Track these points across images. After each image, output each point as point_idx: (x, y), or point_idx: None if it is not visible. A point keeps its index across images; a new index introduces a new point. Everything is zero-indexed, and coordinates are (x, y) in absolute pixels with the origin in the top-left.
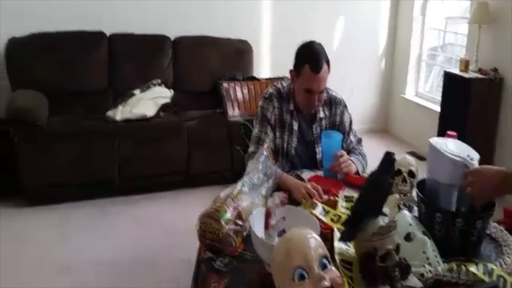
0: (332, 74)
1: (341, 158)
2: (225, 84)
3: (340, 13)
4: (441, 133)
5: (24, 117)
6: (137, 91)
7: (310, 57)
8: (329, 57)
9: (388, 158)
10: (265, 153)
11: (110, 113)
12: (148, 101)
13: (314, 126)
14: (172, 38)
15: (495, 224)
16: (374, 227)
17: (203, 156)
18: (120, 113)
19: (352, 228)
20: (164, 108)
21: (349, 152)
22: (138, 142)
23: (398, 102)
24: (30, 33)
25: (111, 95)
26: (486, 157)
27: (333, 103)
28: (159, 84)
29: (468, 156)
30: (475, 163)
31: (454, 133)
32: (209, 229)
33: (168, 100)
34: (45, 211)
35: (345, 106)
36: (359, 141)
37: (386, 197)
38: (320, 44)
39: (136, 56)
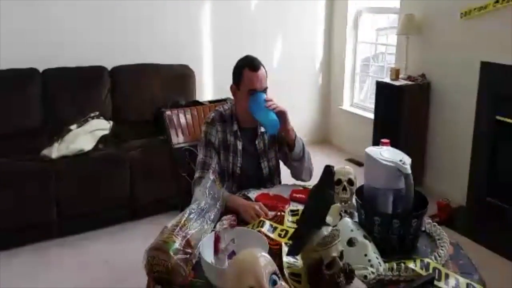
0: (273, 92)
1: (270, 100)
2: (168, 112)
3: (277, 32)
4: (376, 139)
5: None
6: (73, 126)
7: (247, 61)
8: (269, 75)
9: (328, 171)
10: (211, 177)
11: (45, 151)
12: (86, 135)
13: (257, 142)
14: (110, 68)
15: (429, 220)
16: (318, 238)
17: (148, 186)
18: (56, 150)
19: (298, 241)
20: (103, 140)
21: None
22: (76, 178)
23: (336, 113)
24: None
25: (47, 133)
26: (418, 156)
27: None
28: (98, 117)
29: (400, 161)
30: (407, 167)
31: (387, 141)
32: (157, 262)
33: (107, 132)
34: None
35: None
36: None
37: (328, 208)
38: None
39: (72, 90)
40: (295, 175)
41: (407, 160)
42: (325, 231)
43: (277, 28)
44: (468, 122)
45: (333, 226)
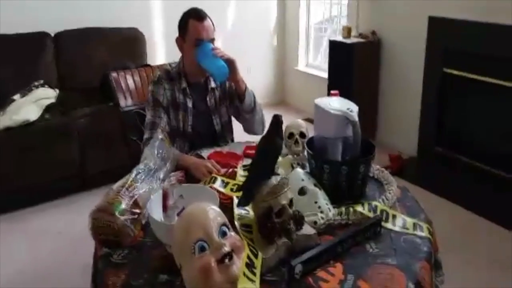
0: (227, 50)
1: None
2: (114, 74)
3: None
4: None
5: None
6: (17, 96)
7: (192, 11)
8: (224, 37)
9: (276, 121)
10: (160, 137)
11: None
12: (31, 105)
13: (208, 98)
14: (53, 34)
15: (378, 166)
16: (268, 188)
17: (98, 154)
18: None
19: (248, 192)
20: (49, 109)
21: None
22: (22, 150)
23: (292, 74)
24: None
25: None
26: (370, 112)
27: None
28: (42, 85)
29: (348, 109)
30: (355, 115)
31: (336, 92)
32: (102, 224)
33: (53, 101)
34: None
35: None
36: None
37: (277, 157)
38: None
39: (13, 58)
40: (248, 128)
41: (355, 108)
42: (274, 180)
43: None
44: (418, 76)
45: (285, 178)
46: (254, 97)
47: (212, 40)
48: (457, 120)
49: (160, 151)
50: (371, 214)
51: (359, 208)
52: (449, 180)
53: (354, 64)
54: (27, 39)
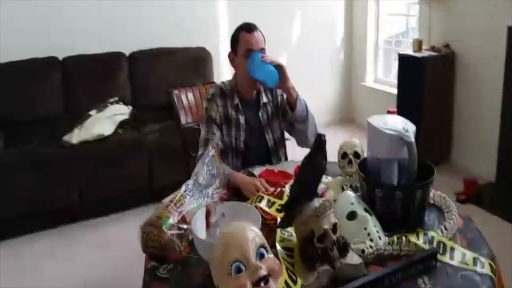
0: (292, 67)
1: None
2: (175, 92)
3: (296, 8)
4: (399, 114)
5: None
6: (93, 112)
7: (243, 25)
8: (289, 51)
9: (319, 140)
10: (210, 153)
11: (66, 137)
12: (105, 120)
13: (260, 114)
14: (128, 54)
15: (439, 192)
16: (309, 210)
17: (165, 168)
18: (76, 136)
19: (288, 213)
20: (122, 125)
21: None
22: (97, 163)
23: (360, 90)
24: None
25: (68, 119)
26: (444, 131)
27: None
28: (117, 102)
29: (403, 128)
30: (411, 135)
31: (394, 110)
32: (150, 238)
33: (126, 117)
34: (4, 245)
35: None
36: None
37: (320, 178)
38: None
39: (91, 76)
40: (301, 140)
41: (411, 128)
42: (317, 202)
43: (296, 3)
44: (497, 92)
45: (334, 200)
46: (307, 107)
47: (262, 50)
48: None
49: (210, 167)
50: (426, 246)
51: (413, 238)
52: None
53: (425, 79)
54: (104, 58)
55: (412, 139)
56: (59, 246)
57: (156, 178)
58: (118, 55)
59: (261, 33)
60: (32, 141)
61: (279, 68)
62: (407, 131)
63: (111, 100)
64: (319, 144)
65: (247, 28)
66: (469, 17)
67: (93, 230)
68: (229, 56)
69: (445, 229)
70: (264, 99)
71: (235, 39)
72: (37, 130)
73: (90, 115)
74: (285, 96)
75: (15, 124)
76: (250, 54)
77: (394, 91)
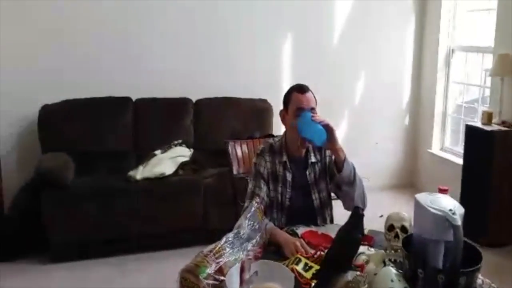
0: (355, 128)
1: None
2: (231, 143)
3: (362, 67)
4: (464, 186)
5: (50, 178)
6: (158, 152)
7: (295, 86)
8: (352, 110)
9: (356, 214)
10: (253, 208)
11: (131, 173)
12: (168, 160)
13: (307, 172)
14: (194, 100)
15: (489, 281)
16: (341, 283)
17: (219, 212)
18: (140, 172)
19: (321, 283)
20: (183, 166)
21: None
22: (156, 199)
23: (424, 157)
24: (61, 100)
25: (135, 156)
26: None
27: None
28: (180, 144)
29: (450, 210)
30: (457, 217)
31: (446, 188)
32: (187, 284)
33: (187, 159)
34: (66, 268)
35: None
36: None
37: (355, 252)
38: None
39: (160, 118)
40: (347, 204)
41: (459, 210)
42: (350, 276)
43: (361, 63)
44: None
45: (374, 274)
46: (354, 169)
47: (313, 110)
48: None
49: (252, 222)
50: None
51: None
52: None
53: (494, 154)
54: (173, 102)
55: (459, 222)
56: (114, 275)
57: (210, 220)
58: (185, 101)
59: (313, 94)
60: (100, 173)
61: (328, 128)
62: (454, 213)
63: (175, 142)
64: (356, 217)
65: (299, 89)
66: None
67: (148, 264)
68: (280, 113)
69: None
70: (313, 159)
71: (287, 98)
72: (106, 164)
73: (155, 155)
74: (333, 157)
75: (87, 156)
76: (301, 113)
77: (461, 161)
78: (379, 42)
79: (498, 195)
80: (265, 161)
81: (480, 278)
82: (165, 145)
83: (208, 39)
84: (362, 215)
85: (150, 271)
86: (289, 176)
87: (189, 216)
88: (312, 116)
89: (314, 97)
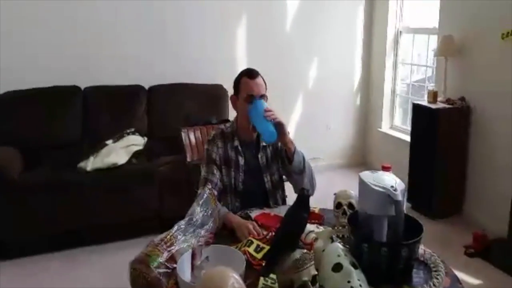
0: (309, 111)
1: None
2: (183, 130)
3: (314, 52)
4: (412, 163)
5: None
6: (109, 141)
7: (245, 71)
8: (306, 94)
9: (302, 194)
10: (206, 194)
11: (81, 164)
12: (120, 150)
13: (259, 156)
14: (147, 87)
15: (429, 250)
16: (290, 261)
17: (174, 200)
18: (91, 163)
19: (270, 263)
20: (136, 155)
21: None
22: (109, 190)
23: (375, 136)
24: (4, 92)
25: (85, 147)
26: (457, 183)
27: None
28: (133, 133)
29: (392, 187)
30: (398, 193)
31: (389, 166)
32: (139, 275)
33: (140, 148)
34: (16, 265)
35: None
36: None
37: (302, 231)
38: None
39: (111, 107)
40: (297, 188)
41: (400, 186)
42: (298, 254)
43: (314, 48)
44: (511, 148)
45: (322, 250)
46: (304, 159)
47: (263, 96)
48: None
49: (205, 208)
50: None
51: None
52: None
53: (439, 131)
54: (124, 90)
55: (400, 198)
56: (66, 269)
57: (165, 209)
58: (137, 88)
59: (263, 79)
60: (49, 166)
61: (279, 125)
62: (395, 189)
63: (128, 130)
64: (302, 198)
65: (249, 74)
66: (485, 73)
67: (101, 256)
68: (231, 98)
69: (432, 286)
70: (264, 142)
71: (237, 84)
72: (55, 156)
73: (106, 144)
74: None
75: (34, 148)
76: (253, 101)
77: (409, 138)
78: (330, 27)
79: (442, 169)
80: (217, 147)
81: (422, 249)
82: (117, 134)
83: (160, 24)
84: (308, 196)
85: (103, 263)
86: (241, 160)
87: (144, 206)
88: (265, 111)
89: (264, 82)
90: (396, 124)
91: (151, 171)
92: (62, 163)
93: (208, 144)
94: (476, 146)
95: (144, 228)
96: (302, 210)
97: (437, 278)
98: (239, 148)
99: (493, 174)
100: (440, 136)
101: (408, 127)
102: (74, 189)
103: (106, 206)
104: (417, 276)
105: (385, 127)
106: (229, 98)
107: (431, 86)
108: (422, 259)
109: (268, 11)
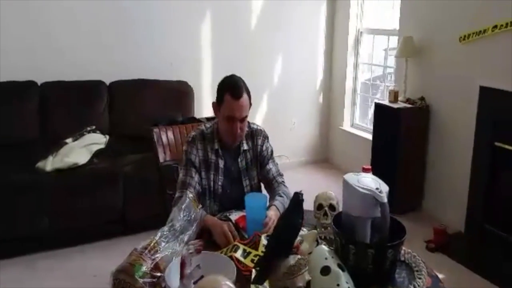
0: (273, 109)
1: (269, 224)
2: (155, 129)
3: (278, 50)
4: (374, 160)
5: None
6: (69, 140)
7: (230, 86)
8: (270, 92)
9: (297, 199)
10: (188, 199)
11: (40, 164)
12: (81, 149)
13: (239, 160)
14: (108, 83)
15: (410, 250)
16: (284, 267)
17: (140, 201)
18: (50, 163)
19: (264, 270)
20: (98, 154)
21: (269, 181)
22: (69, 192)
23: (337, 133)
24: None
25: (44, 145)
26: (417, 180)
27: (255, 135)
28: (94, 131)
29: (377, 189)
30: (384, 196)
31: (369, 167)
32: (122, 285)
33: (102, 146)
34: None
35: (266, 137)
36: (281, 174)
37: (296, 237)
38: (240, 77)
39: (70, 103)
40: (271, 199)
41: (384, 188)
42: (292, 260)
43: (277, 46)
44: (468, 147)
45: (308, 253)
46: (288, 199)
47: (245, 118)
48: (509, 198)
49: (187, 213)
50: None
51: None
52: (497, 262)
53: (400, 129)
54: (84, 85)
55: (385, 200)
56: (26, 275)
57: (130, 210)
58: (97, 83)
59: (248, 94)
60: (4, 166)
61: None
62: (380, 191)
63: (88, 128)
64: (297, 203)
65: (233, 93)
66: (444, 74)
67: (61, 261)
68: (212, 105)
69: (416, 287)
70: (245, 146)
71: (220, 96)
72: (11, 155)
73: (66, 143)
74: (264, 148)
75: None
76: (255, 197)
77: (370, 136)
78: (294, 26)
79: (403, 167)
80: (196, 149)
81: (403, 249)
82: (77, 132)
83: (124, 18)
84: (302, 201)
85: (64, 268)
86: (221, 163)
87: (107, 208)
88: (265, 224)
89: (249, 96)
90: (356, 122)
91: (115, 171)
92: (19, 163)
93: (187, 145)
94: (435, 144)
95: (108, 231)
96: (296, 215)
97: (420, 278)
98: (220, 151)
99: (451, 171)
100: (401, 134)
101: (367, 125)
102: (32, 191)
103: (67, 208)
104: (400, 276)
105: (346, 125)
106: (198, 96)
107: (388, 83)
108: (403, 259)
109: (233, 8)
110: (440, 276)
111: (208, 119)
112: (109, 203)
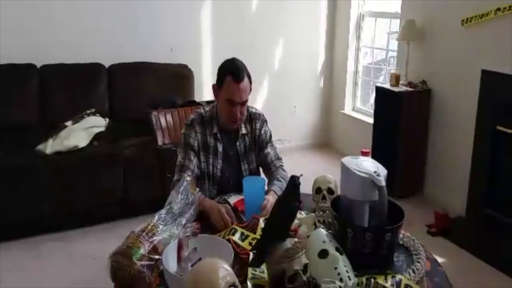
0: (274, 92)
1: (267, 207)
2: (154, 113)
3: (279, 34)
4: (375, 144)
5: None
6: (69, 123)
7: (232, 69)
8: (271, 76)
9: (293, 182)
10: (186, 181)
11: (40, 147)
12: (81, 132)
13: (238, 144)
14: (107, 66)
15: (408, 234)
16: (281, 250)
17: (140, 184)
18: (50, 146)
19: (260, 253)
20: (98, 137)
21: (268, 165)
22: (70, 174)
23: (338, 117)
24: None
25: (43, 128)
26: (418, 164)
27: (253, 119)
28: (94, 114)
29: (375, 172)
30: (382, 179)
31: (368, 151)
32: (120, 268)
33: (102, 129)
34: None
35: (265, 121)
36: (279, 158)
37: (292, 220)
38: (240, 60)
39: (70, 86)
40: (269, 182)
41: (383, 172)
42: (289, 243)
43: (279, 30)
44: (469, 131)
45: (307, 236)
46: (285, 182)
47: (245, 102)
48: (510, 182)
49: (185, 196)
50: None
51: (381, 281)
52: (498, 246)
53: (401, 113)
54: (84, 68)
55: (383, 183)
56: (27, 257)
57: (130, 193)
58: (97, 66)
59: (249, 79)
60: (4, 149)
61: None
62: (378, 175)
63: (88, 111)
64: (293, 186)
65: (235, 76)
66: (446, 58)
67: (63, 243)
68: (213, 87)
69: (413, 272)
70: (243, 130)
71: (221, 79)
72: (11, 139)
73: (65, 126)
74: (263, 131)
75: None
76: (248, 185)
77: (371, 120)
78: (295, 10)
79: (404, 150)
80: (195, 132)
81: (402, 233)
82: (77, 115)
83: (124, 1)
84: (299, 184)
85: (64, 251)
86: (220, 147)
87: (107, 191)
88: (263, 207)
89: (250, 80)
90: (357, 106)
91: (115, 154)
92: (19, 146)
93: (186, 128)
94: (436, 127)
95: (109, 213)
96: (293, 199)
97: (419, 262)
98: (218, 134)
99: (452, 155)
100: (402, 118)
101: (368, 109)
102: (32, 174)
103: (67, 191)
104: (398, 260)
105: (347, 109)
106: (198, 78)
107: (390, 67)
108: (401, 243)
109: None
110: (440, 260)
111: (208, 102)
112: (109, 186)
